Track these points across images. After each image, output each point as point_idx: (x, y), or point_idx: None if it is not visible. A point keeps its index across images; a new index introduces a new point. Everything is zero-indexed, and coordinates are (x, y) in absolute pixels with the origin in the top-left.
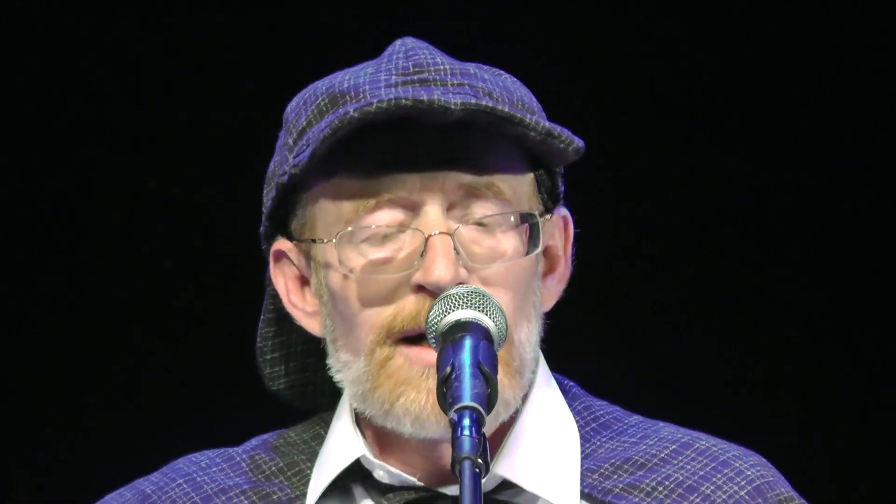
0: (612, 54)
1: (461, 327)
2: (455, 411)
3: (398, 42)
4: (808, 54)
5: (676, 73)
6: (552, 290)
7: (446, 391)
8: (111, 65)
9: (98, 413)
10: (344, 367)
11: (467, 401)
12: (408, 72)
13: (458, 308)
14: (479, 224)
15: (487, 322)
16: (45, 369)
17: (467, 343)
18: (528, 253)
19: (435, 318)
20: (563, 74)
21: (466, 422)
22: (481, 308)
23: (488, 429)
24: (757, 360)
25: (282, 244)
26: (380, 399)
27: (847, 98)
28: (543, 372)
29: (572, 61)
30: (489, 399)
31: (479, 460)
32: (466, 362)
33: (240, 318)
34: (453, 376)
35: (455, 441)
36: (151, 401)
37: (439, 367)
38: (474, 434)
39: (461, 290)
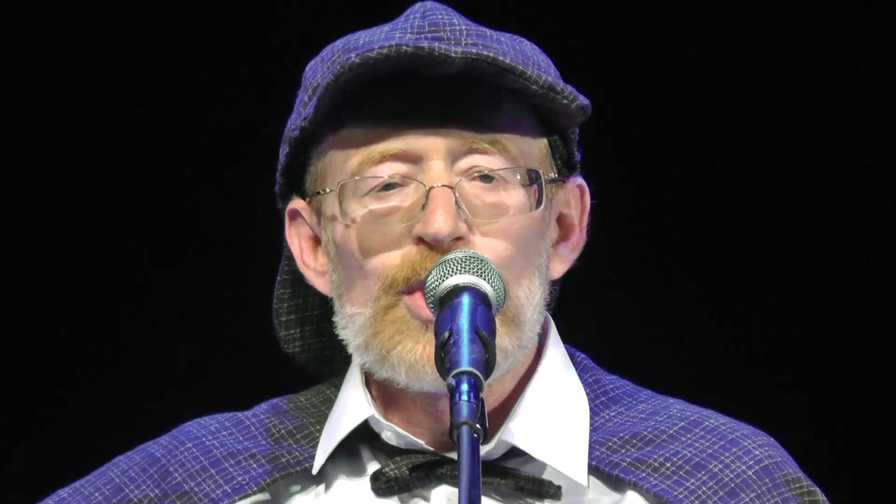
0: (624, 42)
1: (459, 292)
2: (453, 376)
3: (418, 4)
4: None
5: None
6: (564, 258)
7: (444, 356)
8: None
9: (95, 378)
10: (350, 321)
11: (465, 366)
12: (423, 30)
13: (455, 273)
14: (484, 180)
15: (485, 287)
16: (40, 355)
17: (465, 308)
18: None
19: (433, 283)
20: (575, 41)
21: (465, 387)
22: (479, 273)
23: (489, 384)
24: (767, 336)
25: (296, 203)
26: (378, 345)
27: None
28: (554, 341)
29: (587, 40)
30: (487, 364)
31: (478, 425)
32: (464, 327)
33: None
34: (451, 341)
35: (453, 406)
36: (154, 377)
37: (437, 332)
38: (472, 399)
39: (459, 254)
